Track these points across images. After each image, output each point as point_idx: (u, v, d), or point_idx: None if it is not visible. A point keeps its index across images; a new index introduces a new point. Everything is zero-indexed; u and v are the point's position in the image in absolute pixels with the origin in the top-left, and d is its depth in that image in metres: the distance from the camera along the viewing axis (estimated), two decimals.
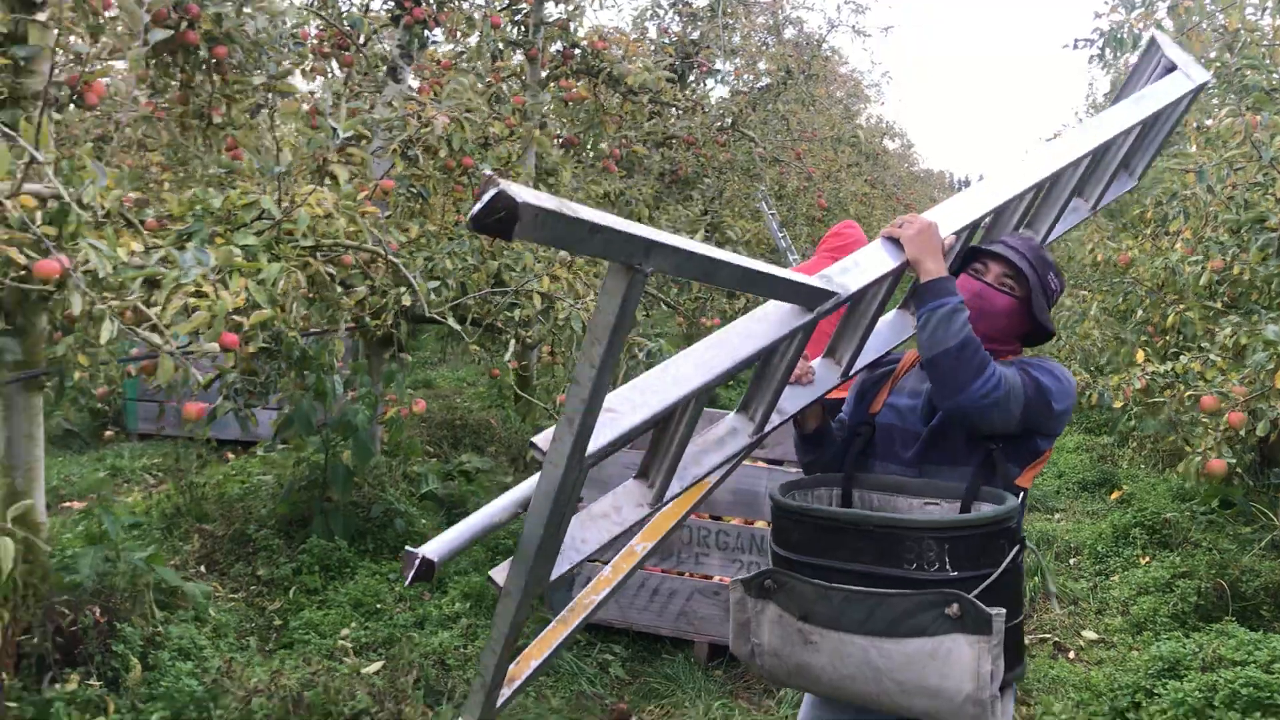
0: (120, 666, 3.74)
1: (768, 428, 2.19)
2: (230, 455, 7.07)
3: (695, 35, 10.01)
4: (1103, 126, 2.58)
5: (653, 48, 9.06)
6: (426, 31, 6.07)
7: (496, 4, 6.91)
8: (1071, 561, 5.63)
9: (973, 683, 1.96)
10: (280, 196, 3.48)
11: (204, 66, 4.63)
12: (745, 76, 11.47)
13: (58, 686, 3.59)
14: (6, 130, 2.96)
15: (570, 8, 7.70)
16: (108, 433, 7.03)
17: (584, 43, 7.84)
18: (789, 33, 12.11)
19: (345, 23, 5.98)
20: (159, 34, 4.11)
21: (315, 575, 4.89)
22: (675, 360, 1.83)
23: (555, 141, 7.37)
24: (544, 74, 7.98)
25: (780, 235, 9.23)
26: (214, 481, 5.96)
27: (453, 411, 7.69)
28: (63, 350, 3.36)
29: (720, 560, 4.40)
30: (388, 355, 5.98)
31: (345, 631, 4.40)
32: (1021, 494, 2.26)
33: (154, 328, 2.86)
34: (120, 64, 5.21)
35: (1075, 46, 6.28)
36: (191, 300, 2.94)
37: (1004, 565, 2.05)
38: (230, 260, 2.91)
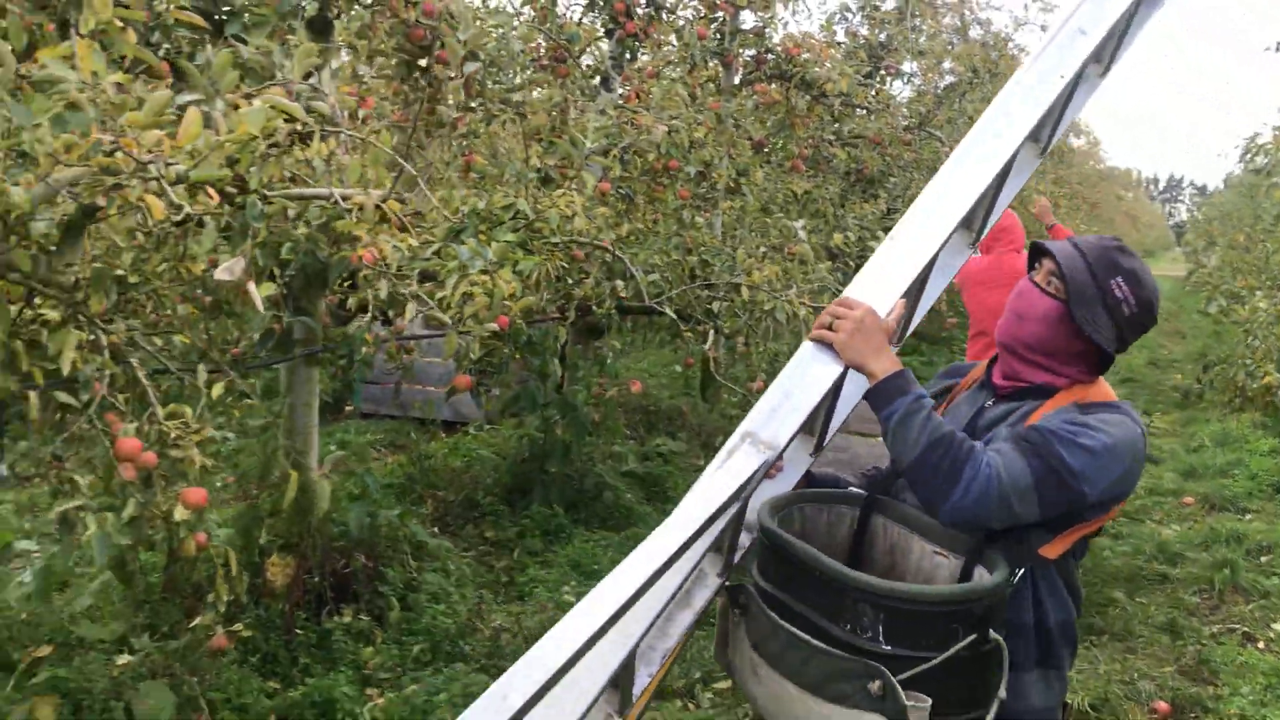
0: (384, 606, 4.33)
1: (736, 559, 2.09)
2: (442, 434, 7.75)
3: (883, 37, 10.23)
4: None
5: (843, 51, 9.31)
6: (637, 43, 6.55)
7: (697, 16, 7.33)
8: (1263, 560, 5.70)
9: None
10: (534, 199, 3.98)
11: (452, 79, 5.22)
12: (930, 76, 11.59)
13: (334, 619, 4.20)
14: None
15: (766, 16, 8.06)
16: (348, 407, 7.80)
17: (778, 49, 8.19)
18: (975, 32, 12.16)
19: (564, 37, 6.50)
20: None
21: (537, 538, 5.43)
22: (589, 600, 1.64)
23: (747, 143, 7.74)
24: (738, 79, 8.37)
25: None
26: (439, 454, 6.59)
27: (645, 398, 8.18)
28: (353, 330, 3.96)
29: None
30: (595, 343, 6.49)
31: (567, 589, 4.91)
32: (1035, 568, 1.95)
33: (440, 311, 3.38)
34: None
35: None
36: (468, 289, 3.45)
37: (949, 653, 1.77)
38: (506, 254, 3.41)
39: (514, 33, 5.61)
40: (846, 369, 2.01)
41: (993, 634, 1.80)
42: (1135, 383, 12.11)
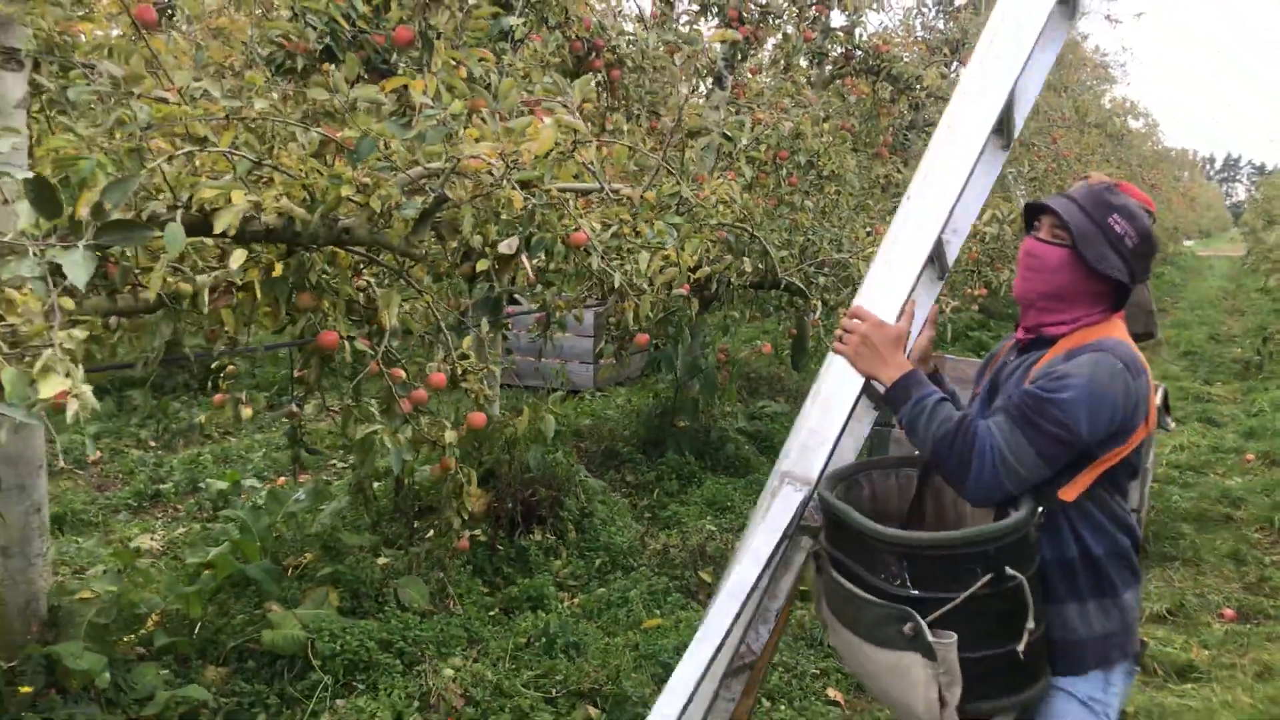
0: (563, 529, 5.16)
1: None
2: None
3: (957, 31, 10.88)
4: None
5: (927, 46, 9.98)
6: (748, 46, 7.31)
7: (798, 19, 8.06)
8: None
9: (922, 705, 1.96)
10: (695, 187, 4.77)
11: (598, 84, 6.02)
12: None
13: (528, 538, 5.04)
14: None
15: (855, 16, 8.77)
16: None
17: (865, 45, 8.90)
18: None
19: (682, 41, 7.27)
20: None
21: (672, 481, 6.25)
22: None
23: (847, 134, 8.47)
24: (828, 73, 9.10)
25: (1023, 192, 10.05)
26: (570, 414, 7.44)
27: (746, 365, 8.97)
28: (547, 297, 4.78)
29: None
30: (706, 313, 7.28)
31: (705, 520, 5.72)
32: (1063, 507, 2.06)
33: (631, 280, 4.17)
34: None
35: None
36: (659, 262, 4.25)
37: (968, 592, 1.92)
38: (691, 234, 4.21)
39: (649, 40, 6.38)
40: (866, 379, 2.17)
41: (1009, 571, 1.93)
42: (1196, 355, 12.69)
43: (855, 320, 2.14)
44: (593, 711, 3.57)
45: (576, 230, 3.83)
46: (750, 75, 8.12)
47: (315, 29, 4.18)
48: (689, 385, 6.54)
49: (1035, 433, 1.97)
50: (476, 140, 3.03)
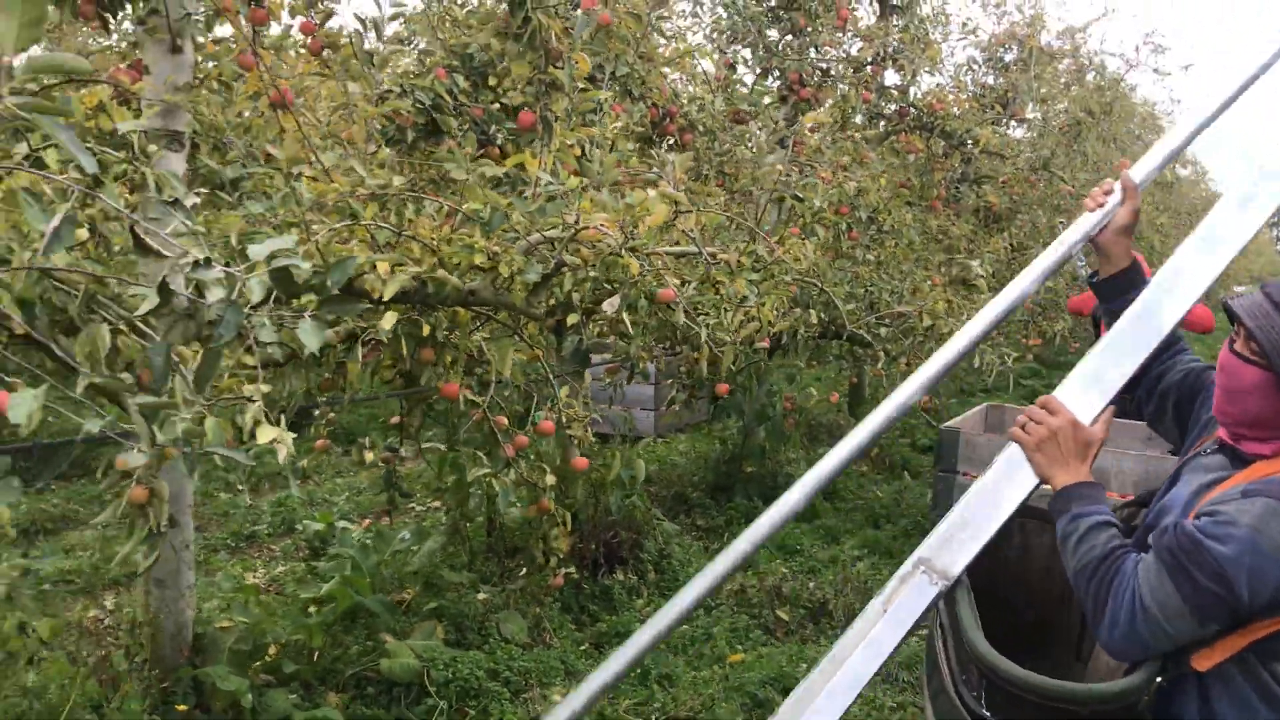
0: (644, 569, 5.44)
1: None
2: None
3: (1006, 87, 11.19)
4: None
5: (979, 104, 10.27)
6: (809, 106, 7.66)
7: (853, 80, 8.41)
8: None
9: None
10: (768, 247, 5.09)
11: (672, 147, 6.38)
12: (1051, 120, 12.49)
13: (611, 578, 5.32)
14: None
15: (908, 76, 9.11)
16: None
17: (919, 103, 9.23)
18: (1090, 76, 13.02)
19: (747, 104, 7.63)
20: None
21: (741, 525, 6.44)
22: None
23: (905, 190, 8.78)
24: (882, 129, 9.43)
25: (1081, 264, 10.26)
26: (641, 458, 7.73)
27: (806, 413, 9.24)
28: (631, 349, 5.10)
29: None
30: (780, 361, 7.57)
31: (778, 562, 5.97)
32: (1192, 675, 1.75)
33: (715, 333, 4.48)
34: None
35: None
36: (742, 317, 4.55)
37: None
38: (772, 291, 4.53)
39: (718, 104, 6.74)
40: (1041, 480, 1.91)
41: None
42: None
43: (1045, 412, 1.90)
44: None
45: (665, 288, 4.15)
46: (809, 134, 8.46)
47: (421, 105, 4.56)
48: (755, 432, 6.82)
49: (1185, 580, 1.65)
50: (589, 212, 3.37)
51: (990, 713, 1.84)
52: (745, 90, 8.04)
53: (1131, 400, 2.13)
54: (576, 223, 3.27)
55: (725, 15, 7.84)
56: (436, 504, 6.71)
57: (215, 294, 1.74)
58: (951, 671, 1.98)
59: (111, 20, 3.63)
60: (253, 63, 3.82)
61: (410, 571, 4.78)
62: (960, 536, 1.88)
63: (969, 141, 9.33)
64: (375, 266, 3.12)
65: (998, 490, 1.90)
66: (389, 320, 3.02)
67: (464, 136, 3.69)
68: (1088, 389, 1.96)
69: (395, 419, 4.50)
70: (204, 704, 3.63)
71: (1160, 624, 1.67)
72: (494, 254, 3.22)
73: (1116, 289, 2.15)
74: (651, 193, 3.50)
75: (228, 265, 1.83)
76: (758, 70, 8.12)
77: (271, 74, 3.87)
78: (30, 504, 6.82)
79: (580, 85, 3.95)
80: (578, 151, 3.57)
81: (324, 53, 4.34)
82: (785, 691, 4.26)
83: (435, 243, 3.28)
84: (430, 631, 4.31)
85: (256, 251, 1.81)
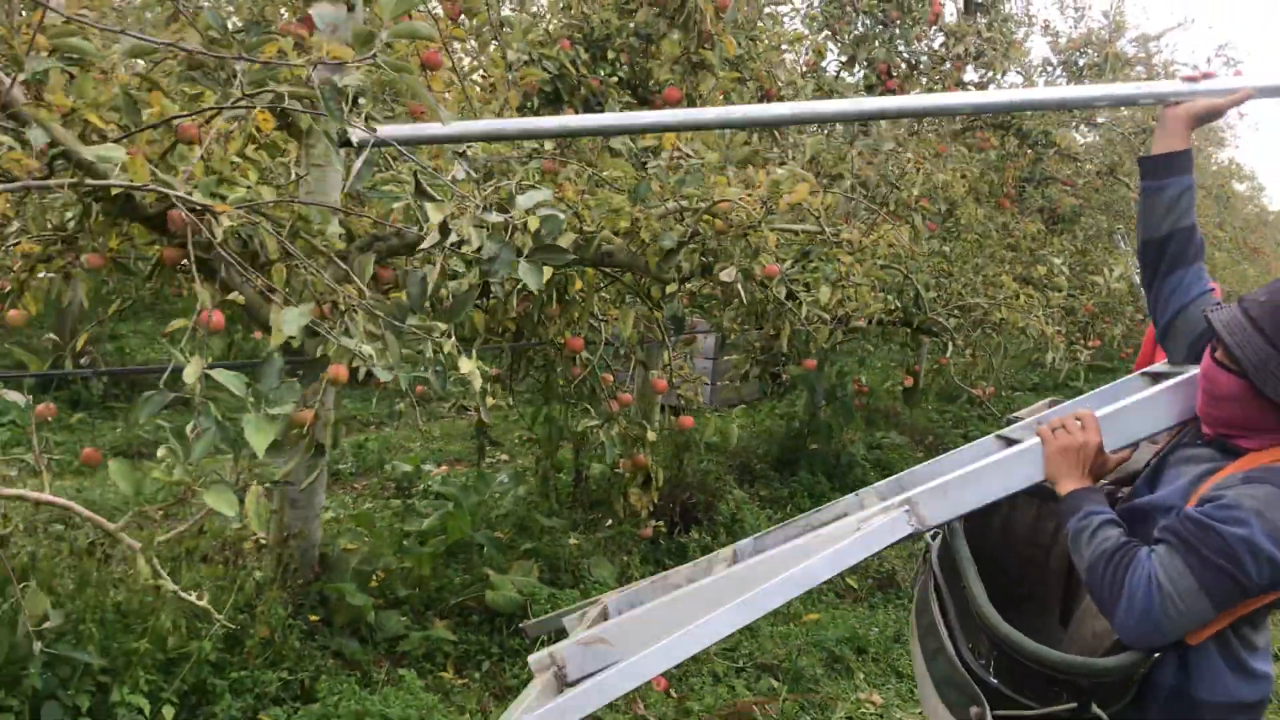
0: (716, 530, 5.70)
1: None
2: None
3: None
4: None
5: None
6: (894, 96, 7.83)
7: (938, 74, 8.57)
8: None
9: None
10: (862, 231, 5.31)
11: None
12: (1114, 123, 12.58)
13: (686, 536, 5.58)
14: None
15: (985, 75, 9.26)
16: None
17: None
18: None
19: (830, 89, 7.82)
20: None
21: (805, 499, 6.76)
22: None
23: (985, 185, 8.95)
24: (959, 124, 9.59)
25: (1135, 268, 10.40)
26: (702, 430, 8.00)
27: (871, 397, 9.47)
28: (724, 320, 5.33)
29: None
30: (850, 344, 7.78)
31: None
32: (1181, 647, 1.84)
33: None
34: None
35: None
36: (839, 296, 4.77)
37: (1046, 711, 1.87)
38: (872, 274, 4.75)
39: (809, 90, 6.93)
40: (1047, 480, 1.99)
41: (1095, 709, 1.84)
42: None
43: (1079, 423, 1.97)
44: (774, 683, 4.10)
45: (770, 264, 4.36)
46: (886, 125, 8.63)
47: (549, 73, 4.80)
48: (821, 410, 7.06)
49: (1198, 561, 1.75)
50: (724, 186, 3.61)
51: (997, 680, 1.91)
52: (831, 77, 8.23)
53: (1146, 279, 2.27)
54: (713, 195, 3.51)
55: (819, 2, 8.01)
56: (514, 458, 7.00)
57: (482, 238, 1.99)
58: (953, 635, 2.03)
59: None
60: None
61: (502, 515, 5.05)
62: (953, 494, 1.96)
63: (1042, 142, 9.47)
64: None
65: (1007, 472, 1.99)
66: (545, 274, 3.27)
67: (598, 105, 3.93)
68: (1127, 421, 2.01)
69: (494, 371, 4.75)
70: (327, 618, 3.92)
71: (1173, 601, 1.75)
72: (636, 219, 3.46)
73: (1162, 168, 2.17)
74: (781, 171, 3.73)
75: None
76: (844, 59, 8.29)
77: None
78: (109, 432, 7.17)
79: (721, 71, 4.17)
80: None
81: (460, 18, 4.58)
82: (859, 650, 4.53)
83: (578, 206, 3.53)
84: (528, 570, 4.58)
85: (524, 201, 2.05)
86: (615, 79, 5.07)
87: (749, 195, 3.41)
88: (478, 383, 2.47)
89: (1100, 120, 11.67)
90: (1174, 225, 2.17)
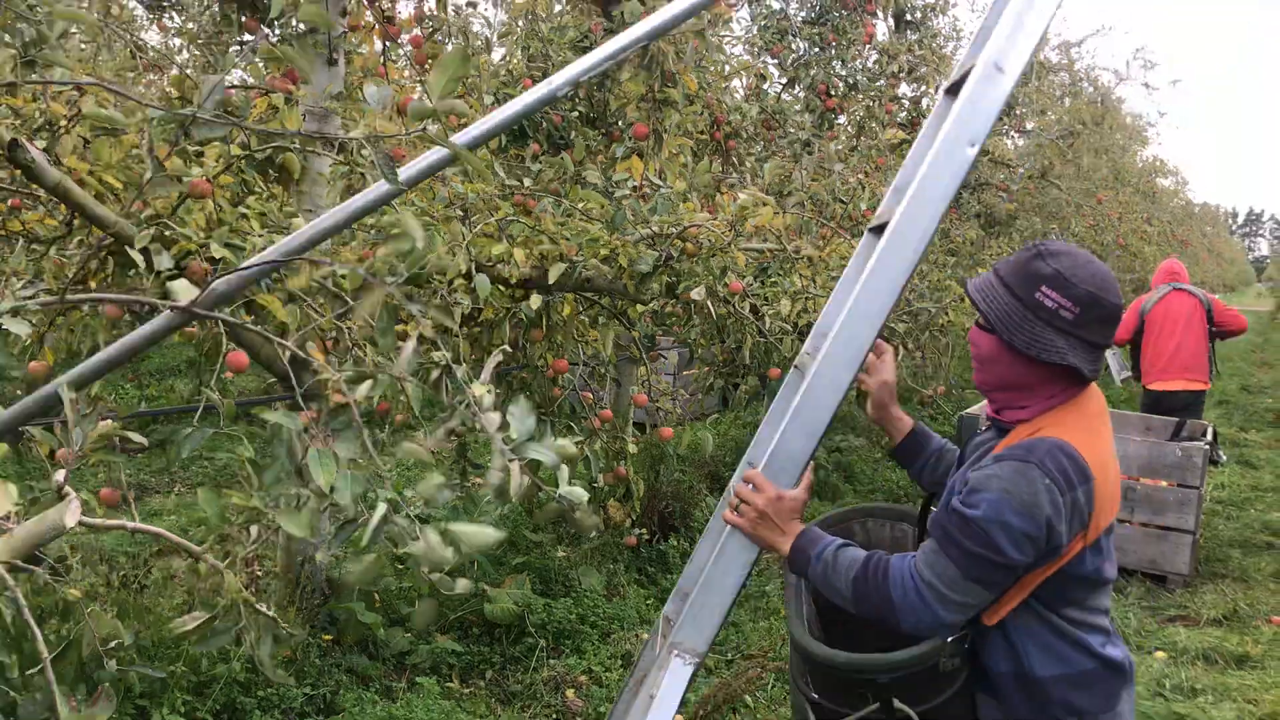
0: (694, 536, 5.98)
1: None
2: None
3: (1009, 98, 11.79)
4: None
5: None
6: (834, 116, 8.21)
7: (876, 92, 8.98)
8: None
9: None
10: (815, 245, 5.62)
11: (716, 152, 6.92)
12: (1045, 128, 13.11)
13: (666, 544, 5.85)
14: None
15: (919, 89, 9.69)
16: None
17: (928, 113, 9.80)
18: (1085, 88, 13.64)
19: (775, 111, 8.18)
20: None
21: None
22: None
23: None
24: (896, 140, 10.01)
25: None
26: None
27: None
28: (690, 336, 5.62)
29: None
30: None
31: None
32: (1003, 623, 1.90)
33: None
34: None
35: None
36: (800, 307, 5.06)
37: (861, 713, 1.90)
38: (828, 286, 5.07)
39: (753, 113, 7.27)
40: (766, 549, 1.99)
41: (899, 705, 1.88)
42: (1230, 404, 13.44)
43: (751, 486, 1.97)
44: (761, 672, 4.38)
45: (733, 281, 4.65)
46: (828, 141, 9.02)
47: None
48: None
49: (959, 552, 1.79)
50: (692, 211, 3.90)
51: (819, 695, 1.96)
52: (773, 98, 8.58)
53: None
54: (683, 221, 3.80)
55: (758, 28, 8.38)
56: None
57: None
58: (791, 661, 2.12)
59: (269, 31, 4.13)
60: (383, 74, 4.33)
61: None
62: (701, 616, 1.99)
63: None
64: (513, 255, 3.64)
65: (727, 569, 2.00)
66: (536, 301, 3.54)
67: (573, 143, 4.21)
68: (785, 461, 1.98)
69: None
70: (337, 637, 4.13)
71: (946, 595, 1.79)
72: (615, 247, 3.75)
73: (910, 453, 2.29)
74: (743, 195, 4.04)
75: None
76: (783, 81, 8.66)
77: (395, 84, 4.38)
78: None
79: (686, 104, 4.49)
80: (681, 160, 4.10)
81: (428, 64, 4.85)
82: None
83: (555, 235, 3.81)
84: (521, 583, 4.82)
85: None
86: (576, 114, 5.37)
87: (717, 220, 3.71)
88: (489, 400, 2.73)
89: (1029, 126, 12.18)
90: (937, 477, 2.25)
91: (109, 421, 1.93)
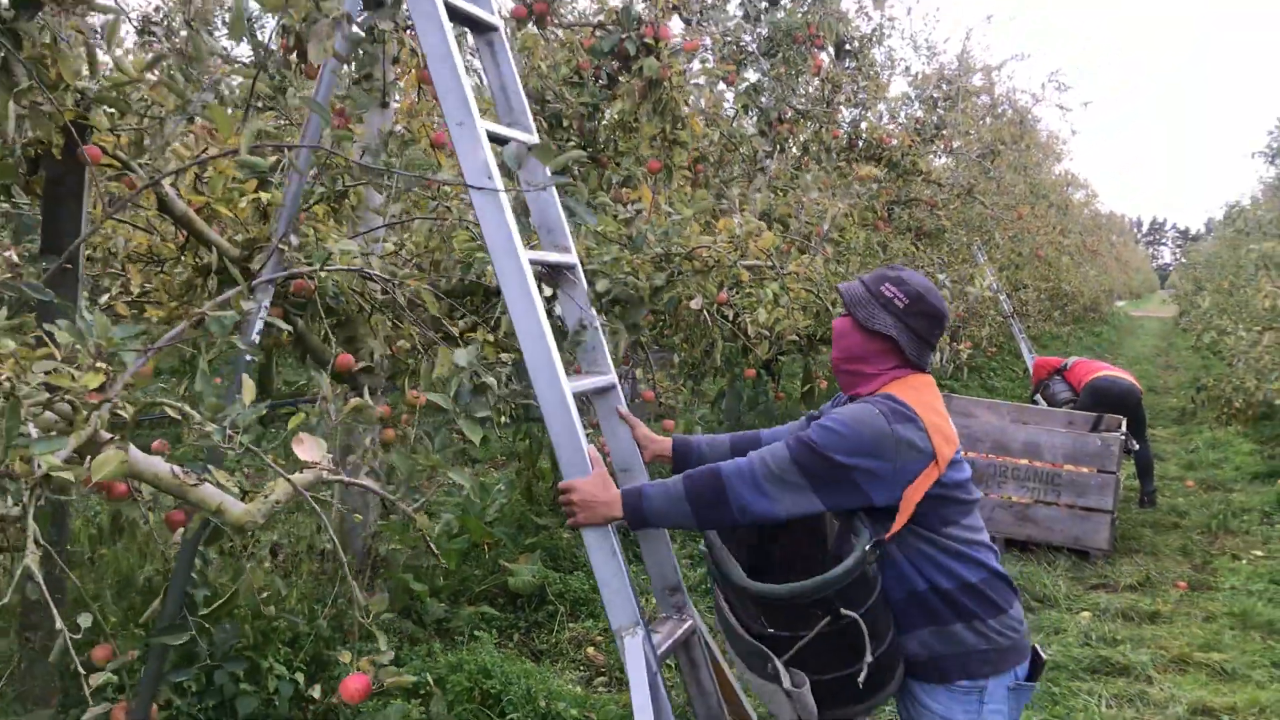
0: None
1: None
2: None
3: (935, 120, 12.70)
4: None
5: (917, 135, 11.73)
6: (785, 140, 8.96)
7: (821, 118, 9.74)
8: (1244, 516, 8.03)
9: (788, 717, 2.27)
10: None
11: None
12: (965, 148, 14.06)
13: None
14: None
15: (862, 112, 10.50)
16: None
17: (867, 136, 10.62)
18: (1005, 110, 14.65)
19: (733, 135, 8.89)
20: None
21: None
22: None
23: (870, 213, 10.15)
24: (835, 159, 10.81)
25: (994, 279, 11.81)
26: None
27: (789, 402, 10.57)
28: (675, 341, 6.30)
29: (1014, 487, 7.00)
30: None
31: None
32: (896, 548, 2.31)
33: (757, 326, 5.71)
34: None
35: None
36: (778, 315, 5.77)
37: (816, 630, 2.20)
38: (799, 296, 5.79)
39: (716, 138, 7.97)
40: (609, 523, 2.43)
41: (844, 612, 2.20)
42: None
43: (565, 495, 2.44)
44: None
45: (721, 291, 5.30)
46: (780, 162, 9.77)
47: None
48: (743, 418, 8.10)
49: (795, 444, 2.24)
50: (698, 234, 4.58)
51: (774, 630, 2.28)
52: (727, 121, 9.29)
53: None
54: (691, 242, 4.48)
55: (717, 60, 9.08)
56: (479, 475, 7.82)
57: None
58: (733, 607, 2.40)
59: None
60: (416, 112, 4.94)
61: (498, 518, 5.91)
62: (615, 600, 2.48)
63: (910, 169, 10.76)
64: None
65: (603, 560, 2.50)
66: None
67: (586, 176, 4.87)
68: (567, 460, 2.47)
69: None
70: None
71: (771, 470, 2.21)
72: (635, 265, 4.40)
73: (683, 463, 2.75)
74: (737, 218, 4.73)
75: None
76: (739, 107, 9.37)
77: (429, 122, 4.99)
78: None
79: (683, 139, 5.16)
80: (686, 190, 4.77)
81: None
82: None
83: (594, 255, 4.45)
84: (535, 559, 5.45)
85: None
86: (570, 144, 6.01)
87: (725, 242, 4.39)
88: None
89: (955, 144, 13.10)
90: (719, 456, 2.74)
91: (358, 399, 2.57)
